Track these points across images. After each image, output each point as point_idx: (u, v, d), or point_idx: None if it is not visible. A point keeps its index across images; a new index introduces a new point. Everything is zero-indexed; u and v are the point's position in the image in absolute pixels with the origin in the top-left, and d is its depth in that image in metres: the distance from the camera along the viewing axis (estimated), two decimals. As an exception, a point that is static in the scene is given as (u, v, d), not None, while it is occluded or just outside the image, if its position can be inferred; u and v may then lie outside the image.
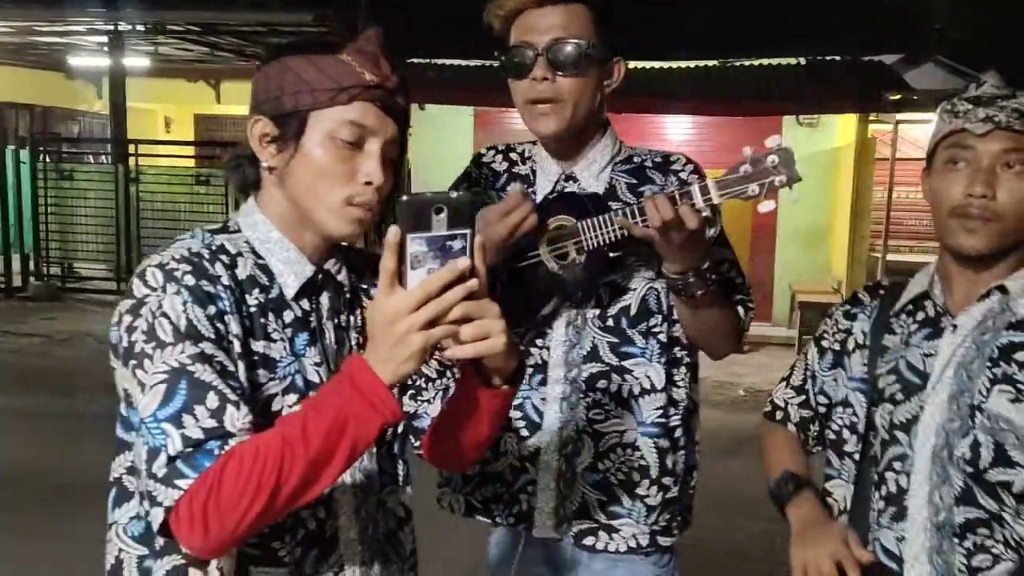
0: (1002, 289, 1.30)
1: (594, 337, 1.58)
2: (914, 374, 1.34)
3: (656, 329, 1.58)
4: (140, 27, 9.70)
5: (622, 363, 1.58)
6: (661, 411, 1.59)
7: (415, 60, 8.58)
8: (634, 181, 1.61)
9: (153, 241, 9.26)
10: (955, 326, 1.32)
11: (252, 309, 1.09)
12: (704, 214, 1.39)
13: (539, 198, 1.60)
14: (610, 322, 1.58)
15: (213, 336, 1.03)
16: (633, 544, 1.60)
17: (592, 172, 1.61)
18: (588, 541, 1.60)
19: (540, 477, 1.59)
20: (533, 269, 1.56)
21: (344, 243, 1.16)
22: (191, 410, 0.98)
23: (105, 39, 10.33)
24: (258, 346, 1.08)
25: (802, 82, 8.44)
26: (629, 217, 1.44)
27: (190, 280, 1.04)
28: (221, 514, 0.94)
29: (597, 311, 1.58)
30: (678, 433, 1.62)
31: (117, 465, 1.12)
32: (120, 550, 1.11)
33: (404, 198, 0.93)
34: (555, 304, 1.57)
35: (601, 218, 1.48)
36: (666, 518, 1.62)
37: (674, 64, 8.86)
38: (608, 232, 1.47)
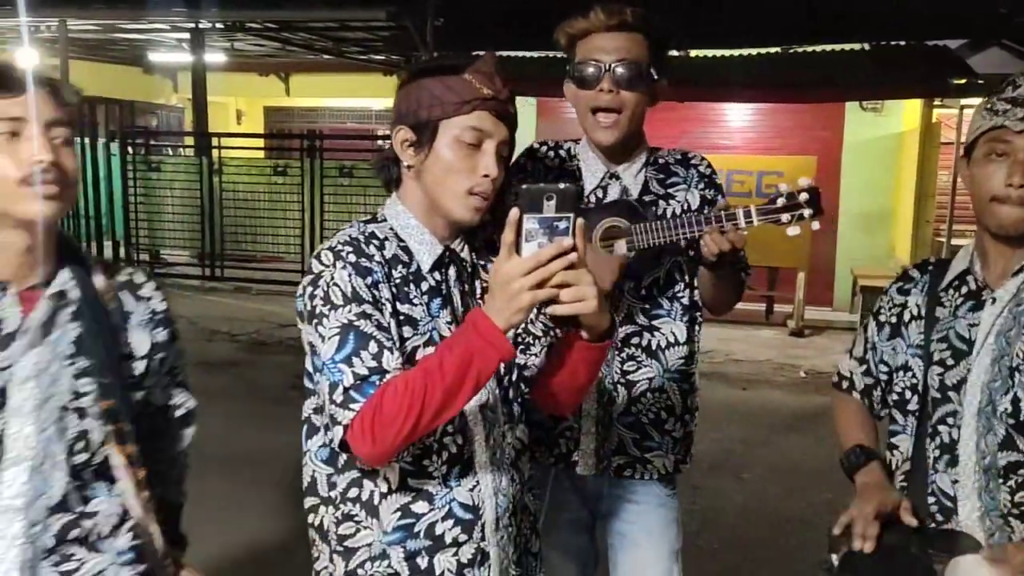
0: None
1: (629, 304, 1.89)
2: (961, 342, 1.54)
3: (680, 294, 1.91)
4: (220, 25, 10.08)
5: (652, 323, 1.90)
6: (683, 360, 1.92)
7: (479, 52, 8.76)
8: (662, 176, 1.93)
9: (234, 229, 9.65)
10: (994, 299, 1.52)
11: (397, 280, 1.37)
12: (744, 234, 1.71)
13: (586, 191, 1.90)
14: (643, 292, 1.89)
15: (371, 300, 1.32)
16: (663, 471, 1.93)
17: (632, 172, 1.91)
18: (627, 473, 1.92)
19: (582, 424, 1.89)
20: None
21: (467, 227, 1.43)
22: (359, 354, 1.28)
23: (185, 35, 10.71)
24: (403, 309, 1.36)
25: (866, 68, 8.37)
26: (679, 228, 1.73)
27: (352, 258, 1.33)
28: (383, 428, 1.23)
29: (632, 283, 1.88)
30: (694, 379, 1.96)
31: (306, 407, 1.43)
32: (313, 471, 1.43)
33: (524, 186, 1.20)
34: None
35: (652, 224, 1.77)
36: (684, 448, 1.96)
37: (736, 52, 8.88)
38: (657, 238, 1.76)
